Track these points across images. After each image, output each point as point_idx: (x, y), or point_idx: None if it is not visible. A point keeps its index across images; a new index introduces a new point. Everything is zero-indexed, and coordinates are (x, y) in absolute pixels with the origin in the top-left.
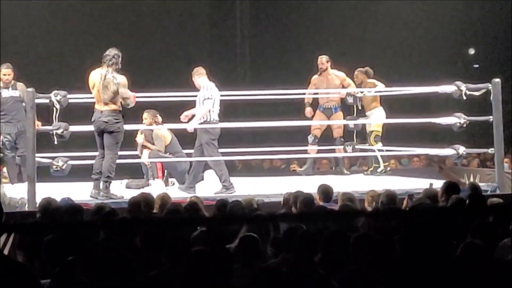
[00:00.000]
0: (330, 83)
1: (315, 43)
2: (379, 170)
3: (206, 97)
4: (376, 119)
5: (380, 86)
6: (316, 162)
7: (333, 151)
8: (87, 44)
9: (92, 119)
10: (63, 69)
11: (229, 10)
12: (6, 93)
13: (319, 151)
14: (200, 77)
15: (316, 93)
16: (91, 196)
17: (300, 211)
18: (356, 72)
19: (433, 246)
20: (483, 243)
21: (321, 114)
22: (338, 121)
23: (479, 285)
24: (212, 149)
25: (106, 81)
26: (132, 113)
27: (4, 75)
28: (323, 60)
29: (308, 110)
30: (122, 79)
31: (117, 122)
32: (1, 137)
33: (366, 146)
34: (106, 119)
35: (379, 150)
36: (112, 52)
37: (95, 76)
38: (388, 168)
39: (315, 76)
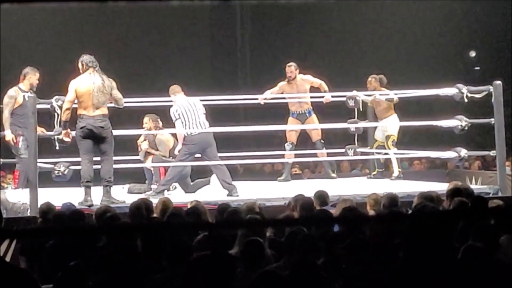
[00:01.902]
0: (300, 89)
1: (315, 47)
2: (394, 175)
3: (174, 118)
4: (393, 124)
5: (390, 95)
6: (293, 168)
7: (334, 154)
8: (86, 49)
9: (82, 125)
10: (62, 75)
11: (229, 14)
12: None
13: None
14: (175, 95)
15: (284, 98)
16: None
17: (301, 215)
18: (369, 79)
19: (435, 249)
20: (484, 246)
21: (295, 120)
22: (338, 125)
23: (481, 287)
24: (179, 157)
25: (103, 85)
26: (136, 118)
27: (38, 79)
28: (292, 68)
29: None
30: (113, 81)
31: (109, 126)
32: (20, 140)
33: (367, 150)
34: (102, 124)
35: (381, 154)
36: (92, 57)
37: (86, 82)
38: (402, 175)
39: (283, 83)
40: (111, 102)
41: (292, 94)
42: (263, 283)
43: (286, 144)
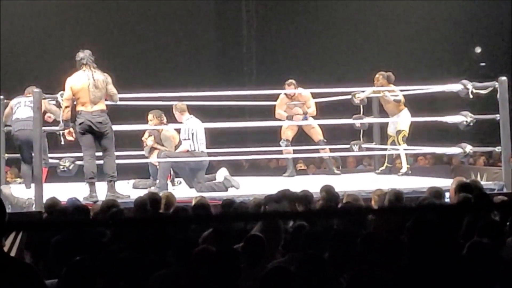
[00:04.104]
0: (298, 100)
1: (322, 42)
2: (402, 171)
3: (183, 138)
4: (404, 120)
5: (398, 95)
6: (295, 163)
7: (340, 150)
8: (92, 44)
9: (80, 121)
10: (69, 70)
11: (235, 10)
12: None
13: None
14: (183, 114)
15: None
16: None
17: (306, 209)
18: (377, 75)
19: (440, 245)
20: (490, 242)
21: (292, 124)
22: (342, 121)
23: (486, 284)
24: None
25: (97, 81)
26: (140, 113)
27: None
28: (291, 87)
29: (297, 116)
30: (108, 76)
31: (108, 121)
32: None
33: (372, 145)
34: (100, 120)
35: (387, 150)
36: (87, 53)
37: (81, 78)
38: (410, 171)
39: (283, 96)
40: (106, 99)
41: (291, 102)
42: (274, 278)
43: (281, 142)
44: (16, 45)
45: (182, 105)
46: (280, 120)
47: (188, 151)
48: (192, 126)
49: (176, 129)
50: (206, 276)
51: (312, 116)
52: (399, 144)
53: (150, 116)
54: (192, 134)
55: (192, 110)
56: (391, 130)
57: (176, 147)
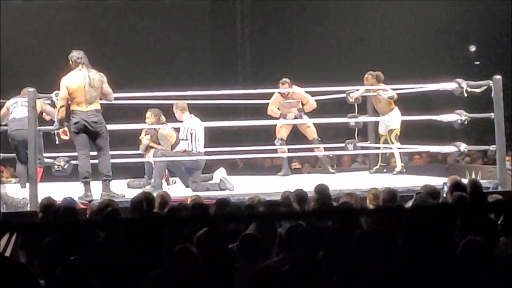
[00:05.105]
0: (293, 98)
1: (317, 41)
2: (397, 169)
3: (182, 138)
4: (396, 118)
5: (390, 92)
6: (290, 162)
7: (335, 149)
8: (86, 43)
9: (75, 121)
10: (60, 70)
11: (229, 10)
12: None
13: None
14: (183, 112)
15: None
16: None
17: (301, 209)
18: (366, 75)
19: (434, 243)
20: (484, 241)
21: (287, 123)
22: (339, 119)
23: (480, 282)
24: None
25: (93, 80)
26: (136, 113)
27: None
28: (286, 86)
29: (291, 115)
30: (104, 76)
31: (103, 121)
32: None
33: (367, 144)
34: (95, 119)
35: (385, 149)
36: (81, 53)
37: (77, 78)
38: (404, 170)
39: (277, 95)
40: (101, 98)
41: (286, 100)
42: (264, 277)
43: (275, 141)
44: (14, 45)
45: (183, 103)
46: (272, 116)
47: (185, 150)
48: (191, 126)
49: (173, 128)
50: (201, 276)
51: (308, 113)
52: (392, 143)
53: (148, 114)
54: (191, 134)
55: (190, 109)
56: (382, 129)
57: (173, 146)
